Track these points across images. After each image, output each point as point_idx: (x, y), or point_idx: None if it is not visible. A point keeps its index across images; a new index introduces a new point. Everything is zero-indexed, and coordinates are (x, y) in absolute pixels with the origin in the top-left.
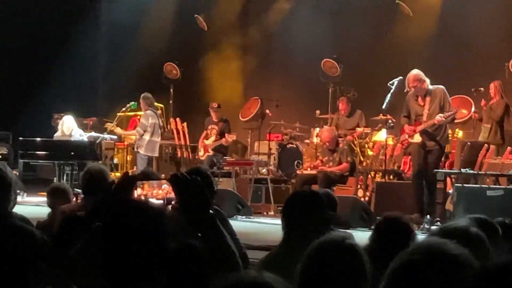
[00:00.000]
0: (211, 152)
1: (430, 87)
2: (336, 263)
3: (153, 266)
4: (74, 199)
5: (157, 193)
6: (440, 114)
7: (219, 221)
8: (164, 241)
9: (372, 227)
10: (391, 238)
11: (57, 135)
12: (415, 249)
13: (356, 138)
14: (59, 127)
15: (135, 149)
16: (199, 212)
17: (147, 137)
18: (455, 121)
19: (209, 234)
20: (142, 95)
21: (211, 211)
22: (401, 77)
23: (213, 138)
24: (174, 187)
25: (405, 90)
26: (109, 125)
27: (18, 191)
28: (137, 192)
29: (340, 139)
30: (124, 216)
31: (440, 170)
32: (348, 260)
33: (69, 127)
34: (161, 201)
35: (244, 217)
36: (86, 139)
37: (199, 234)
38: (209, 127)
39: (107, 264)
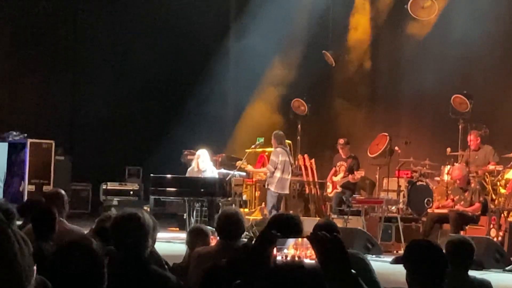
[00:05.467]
0: (339, 189)
1: None
2: None
3: None
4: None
5: (311, 253)
6: None
7: (361, 271)
8: None
9: (507, 268)
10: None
11: (191, 170)
12: None
13: (488, 175)
14: (194, 162)
15: (266, 186)
16: (341, 272)
17: (277, 174)
18: None
19: None
20: (274, 132)
21: (352, 270)
22: None
23: (341, 174)
24: (314, 245)
25: None
26: (239, 163)
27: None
28: (291, 253)
29: (471, 176)
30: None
31: None
32: None
33: (205, 162)
34: (314, 261)
35: (374, 256)
36: (217, 176)
37: None
38: (338, 163)
39: None
